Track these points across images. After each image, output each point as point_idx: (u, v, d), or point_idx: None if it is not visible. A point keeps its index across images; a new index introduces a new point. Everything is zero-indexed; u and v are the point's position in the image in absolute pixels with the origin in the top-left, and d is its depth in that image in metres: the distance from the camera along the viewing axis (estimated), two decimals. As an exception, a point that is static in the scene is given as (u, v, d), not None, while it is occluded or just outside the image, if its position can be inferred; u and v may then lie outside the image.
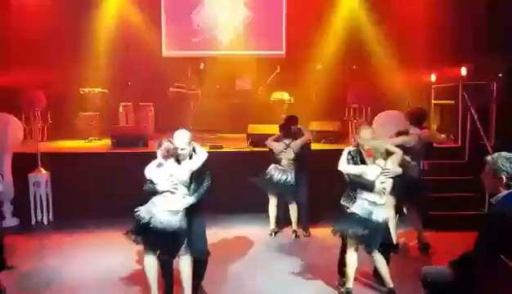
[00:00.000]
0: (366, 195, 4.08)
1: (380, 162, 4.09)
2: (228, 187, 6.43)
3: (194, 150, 3.93)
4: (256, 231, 6.07)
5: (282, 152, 5.78)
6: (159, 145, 3.78)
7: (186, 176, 3.81)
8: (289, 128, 5.86)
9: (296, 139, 5.84)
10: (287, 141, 5.82)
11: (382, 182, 4.04)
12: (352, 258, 4.14)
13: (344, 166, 4.20)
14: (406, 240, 5.60)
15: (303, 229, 6.03)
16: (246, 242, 5.70)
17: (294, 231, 5.94)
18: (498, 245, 2.58)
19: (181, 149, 3.82)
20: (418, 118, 5.23)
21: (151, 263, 3.89)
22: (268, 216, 5.97)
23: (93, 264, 5.00)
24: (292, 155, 5.78)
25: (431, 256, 5.27)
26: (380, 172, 4.05)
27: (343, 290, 4.24)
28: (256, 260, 5.19)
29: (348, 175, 4.18)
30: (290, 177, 5.73)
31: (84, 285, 4.52)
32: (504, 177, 2.71)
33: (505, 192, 2.73)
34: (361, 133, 4.28)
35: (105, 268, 4.88)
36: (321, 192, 5.82)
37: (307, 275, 4.75)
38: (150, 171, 3.83)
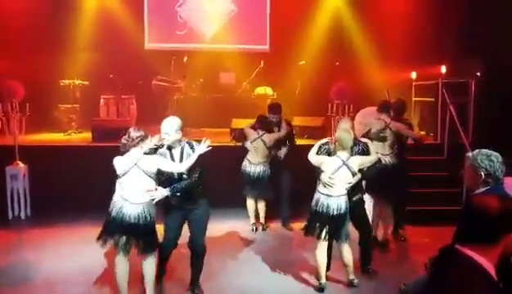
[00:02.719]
0: (321, 188, 4.13)
1: (342, 154, 4.10)
2: (211, 182, 6.39)
3: (192, 149, 3.89)
4: (239, 226, 6.08)
5: (254, 141, 5.68)
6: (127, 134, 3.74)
7: (152, 168, 3.71)
8: (265, 119, 5.77)
9: (270, 131, 5.73)
10: (260, 132, 5.73)
11: (331, 176, 4.04)
12: (319, 255, 4.22)
13: (310, 154, 4.25)
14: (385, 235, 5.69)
15: (284, 224, 6.04)
16: (229, 238, 5.71)
17: (260, 224, 5.94)
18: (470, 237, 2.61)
19: (165, 133, 3.81)
20: (383, 106, 5.28)
21: (121, 263, 3.79)
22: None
23: (71, 259, 4.93)
24: (262, 148, 5.67)
25: (409, 250, 5.37)
26: (340, 165, 4.06)
27: (317, 285, 4.31)
28: (239, 255, 5.21)
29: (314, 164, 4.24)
30: (261, 171, 5.67)
31: (62, 280, 4.46)
32: (482, 174, 2.72)
33: (483, 189, 2.73)
34: (340, 123, 4.36)
35: (83, 263, 4.82)
36: (303, 187, 5.84)
37: (290, 269, 4.78)
38: (116, 161, 3.73)
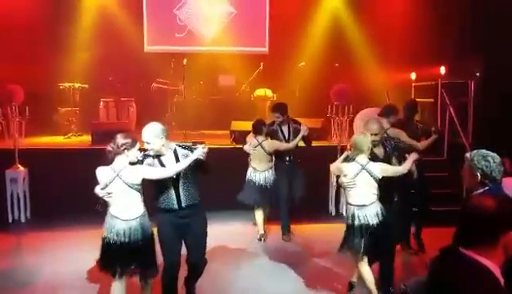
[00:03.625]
0: (352, 200, 3.86)
1: (361, 159, 3.84)
2: (211, 183, 6.38)
3: (191, 150, 3.57)
4: (238, 228, 6.08)
5: (254, 149, 5.43)
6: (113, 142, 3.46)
7: (136, 179, 3.43)
8: (261, 125, 5.50)
9: (267, 135, 5.44)
10: (260, 139, 5.46)
11: (349, 180, 3.81)
12: (365, 271, 3.92)
13: (337, 161, 4.05)
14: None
15: (284, 231, 5.82)
16: (228, 239, 5.67)
17: (262, 235, 5.69)
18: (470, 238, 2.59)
19: (147, 143, 3.48)
20: (383, 111, 5.05)
21: (118, 289, 3.50)
22: (249, 213, 5.89)
23: (71, 262, 4.92)
24: (262, 153, 5.40)
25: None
26: (359, 170, 3.80)
27: None
28: (238, 257, 5.19)
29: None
30: (267, 177, 5.47)
31: (62, 284, 4.45)
32: (479, 175, 2.71)
33: (481, 190, 2.72)
34: (367, 124, 4.07)
35: (83, 266, 4.80)
36: (310, 190, 5.82)
37: (290, 272, 4.78)
38: (98, 172, 3.47)
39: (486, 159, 2.72)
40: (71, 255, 5.14)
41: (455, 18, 8.44)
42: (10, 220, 6.35)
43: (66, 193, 6.33)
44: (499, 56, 7.36)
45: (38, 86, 8.28)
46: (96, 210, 3.53)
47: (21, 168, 6.40)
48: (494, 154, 2.76)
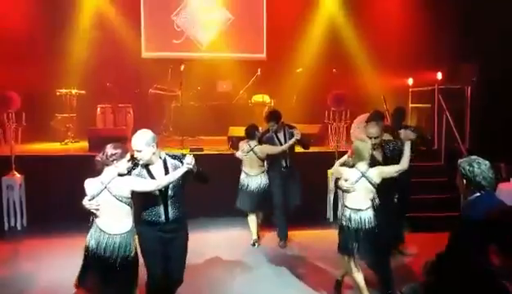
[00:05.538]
0: (349, 203, 3.88)
1: (361, 166, 3.85)
2: (208, 190, 6.36)
3: (180, 161, 3.43)
4: (236, 234, 6.06)
5: (246, 155, 5.43)
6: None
7: (124, 192, 3.26)
8: (254, 130, 5.51)
9: (260, 140, 5.44)
10: (252, 144, 5.48)
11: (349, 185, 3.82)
12: (358, 278, 3.94)
13: (336, 164, 4.07)
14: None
15: (281, 239, 5.78)
16: (226, 246, 5.68)
17: (256, 240, 5.69)
18: (469, 247, 2.60)
19: (137, 151, 3.34)
20: (370, 118, 4.88)
21: None
22: (246, 219, 5.83)
23: (68, 270, 4.84)
24: (255, 158, 5.43)
25: (406, 257, 5.34)
26: (359, 177, 3.82)
27: None
28: (236, 263, 5.17)
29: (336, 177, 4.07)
30: (259, 183, 5.46)
31: (59, 291, 4.40)
32: (464, 181, 2.73)
33: (470, 196, 2.72)
34: (367, 129, 4.14)
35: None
36: (305, 196, 5.81)
37: (287, 278, 4.77)
38: (87, 183, 3.29)
39: (471, 165, 2.71)
40: (68, 262, 5.06)
41: (452, 24, 8.50)
42: (6, 228, 6.32)
43: (63, 200, 6.27)
44: (495, 62, 7.41)
45: (35, 92, 8.27)
46: (88, 226, 3.38)
47: (17, 175, 6.37)
48: (482, 160, 2.74)
